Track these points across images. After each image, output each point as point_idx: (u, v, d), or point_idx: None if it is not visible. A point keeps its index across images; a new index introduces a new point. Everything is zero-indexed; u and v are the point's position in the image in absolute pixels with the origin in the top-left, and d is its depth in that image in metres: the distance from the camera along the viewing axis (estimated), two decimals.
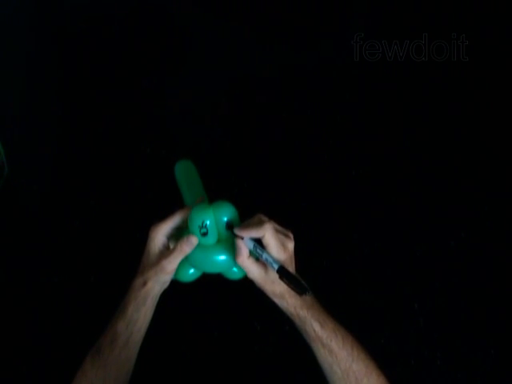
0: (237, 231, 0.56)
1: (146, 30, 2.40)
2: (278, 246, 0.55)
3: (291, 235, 0.58)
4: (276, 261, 0.54)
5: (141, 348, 0.61)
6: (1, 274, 1.47)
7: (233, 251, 0.59)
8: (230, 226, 0.59)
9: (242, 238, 0.56)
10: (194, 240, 0.58)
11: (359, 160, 1.74)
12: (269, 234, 0.54)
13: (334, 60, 2.17)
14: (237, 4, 2.44)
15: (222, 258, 0.59)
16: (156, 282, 0.59)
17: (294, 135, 1.86)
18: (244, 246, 0.56)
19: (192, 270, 0.64)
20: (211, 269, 0.61)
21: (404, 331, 1.32)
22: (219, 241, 0.60)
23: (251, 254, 0.57)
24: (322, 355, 0.58)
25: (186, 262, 0.64)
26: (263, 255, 0.54)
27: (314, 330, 0.57)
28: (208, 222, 0.58)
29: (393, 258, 1.47)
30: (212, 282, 0.67)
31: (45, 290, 1.44)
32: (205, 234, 0.59)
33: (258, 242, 0.56)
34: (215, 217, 0.59)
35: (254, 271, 0.57)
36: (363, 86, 2.04)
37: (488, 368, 1.25)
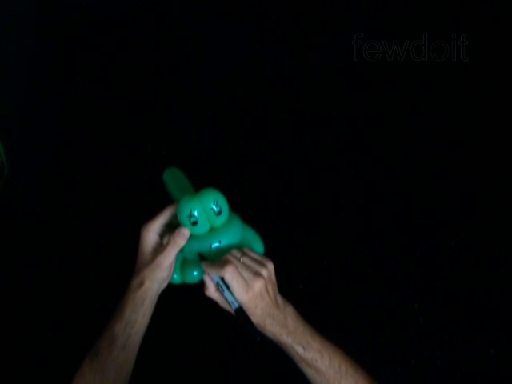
0: (203, 265, 0.58)
1: (146, 29, 2.40)
2: (241, 287, 0.55)
3: (264, 273, 0.56)
4: (236, 301, 0.54)
5: (140, 349, 0.61)
6: (1, 274, 1.47)
7: (227, 236, 0.60)
8: (202, 258, 0.60)
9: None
10: (185, 231, 0.59)
11: (359, 160, 1.74)
12: (228, 275, 0.54)
13: (334, 60, 2.17)
14: (237, 4, 2.44)
15: (217, 244, 0.59)
16: (153, 281, 0.59)
17: (294, 135, 1.85)
18: (209, 281, 0.57)
19: (196, 272, 0.64)
20: (209, 257, 0.60)
21: (404, 331, 1.32)
22: (212, 229, 0.61)
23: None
24: (310, 374, 0.59)
25: (188, 263, 0.64)
26: (224, 293, 0.55)
27: (297, 353, 0.58)
28: (196, 211, 0.58)
29: (393, 257, 1.47)
30: None
31: (45, 290, 1.44)
32: (195, 224, 0.59)
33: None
34: (202, 205, 0.59)
35: (223, 303, 0.58)
36: (363, 86, 2.03)
37: (488, 368, 1.25)
